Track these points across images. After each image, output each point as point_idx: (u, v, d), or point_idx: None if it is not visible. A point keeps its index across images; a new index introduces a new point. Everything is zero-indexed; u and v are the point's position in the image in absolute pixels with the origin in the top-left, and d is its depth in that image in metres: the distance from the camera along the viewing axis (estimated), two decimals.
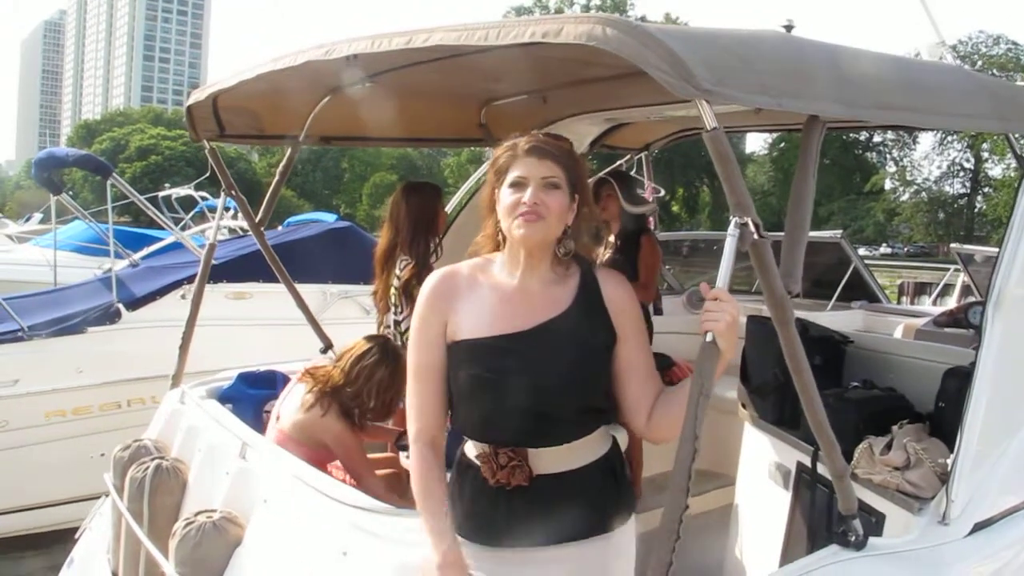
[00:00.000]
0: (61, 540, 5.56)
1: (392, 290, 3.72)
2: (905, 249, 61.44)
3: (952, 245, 7.63)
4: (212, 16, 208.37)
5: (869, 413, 3.01)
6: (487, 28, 2.14)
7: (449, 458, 2.25)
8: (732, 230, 1.89)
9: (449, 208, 4.43)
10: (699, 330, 1.85)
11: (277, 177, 3.98)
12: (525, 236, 2.07)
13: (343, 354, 3.46)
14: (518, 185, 2.08)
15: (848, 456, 2.71)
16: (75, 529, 5.11)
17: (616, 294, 2.18)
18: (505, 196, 2.10)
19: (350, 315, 6.74)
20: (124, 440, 3.64)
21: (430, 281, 2.21)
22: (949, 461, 2.59)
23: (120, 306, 6.49)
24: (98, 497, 5.34)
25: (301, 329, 5.79)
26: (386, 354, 3.36)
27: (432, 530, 2.07)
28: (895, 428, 2.83)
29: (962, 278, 8.20)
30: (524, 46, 2.41)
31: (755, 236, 1.90)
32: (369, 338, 3.52)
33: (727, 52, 2.00)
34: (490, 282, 2.17)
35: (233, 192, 3.88)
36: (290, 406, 3.39)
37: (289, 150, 3.99)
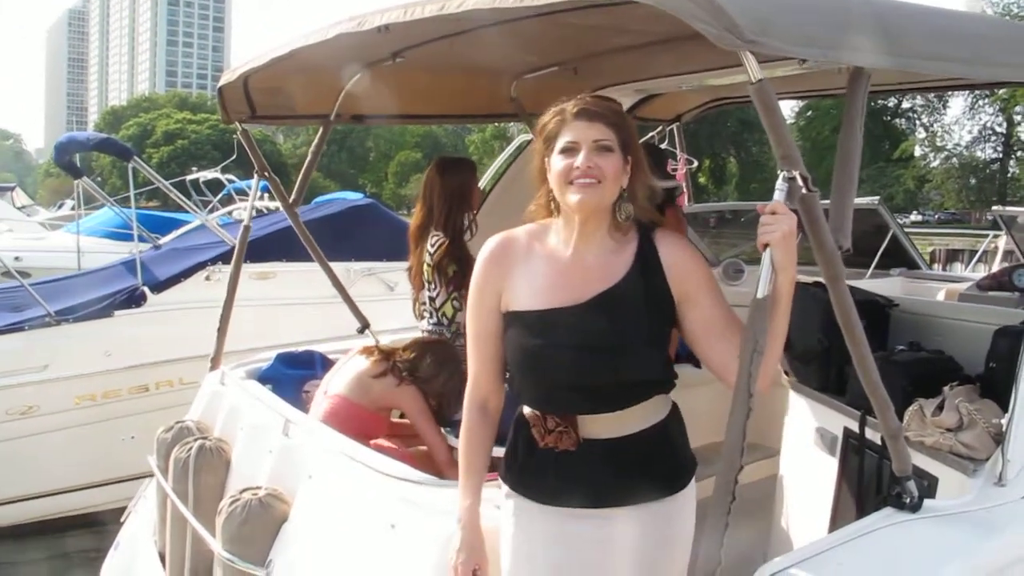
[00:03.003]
0: (98, 522, 5.68)
1: (425, 267, 3.70)
2: (936, 216, 60.59)
3: (994, 208, 7.47)
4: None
5: (917, 375, 2.97)
6: None
7: (507, 425, 2.25)
8: (780, 184, 1.87)
9: (481, 184, 4.38)
10: (758, 244, 1.86)
11: (309, 157, 3.98)
12: (581, 202, 2.02)
13: (410, 344, 3.54)
14: (569, 151, 2.04)
15: (898, 419, 2.67)
16: (110, 511, 5.20)
17: (676, 257, 2.12)
18: (556, 163, 2.05)
19: (374, 292, 6.73)
20: (153, 423, 3.67)
21: (487, 248, 2.20)
22: (1003, 421, 2.54)
23: (145, 289, 6.52)
24: (128, 480, 5.44)
25: (327, 308, 5.80)
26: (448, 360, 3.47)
27: (461, 486, 2.19)
28: (946, 389, 2.78)
29: (1004, 241, 8.05)
30: (556, 13, 2.39)
31: (803, 190, 1.87)
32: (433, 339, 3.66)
33: (770, 4, 1.96)
34: (546, 251, 2.14)
35: (267, 173, 3.88)
36: (348, 375, 3.42)
37: (321, 129, 3.97)
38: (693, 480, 2.20)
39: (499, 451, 2.25)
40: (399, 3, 2.52)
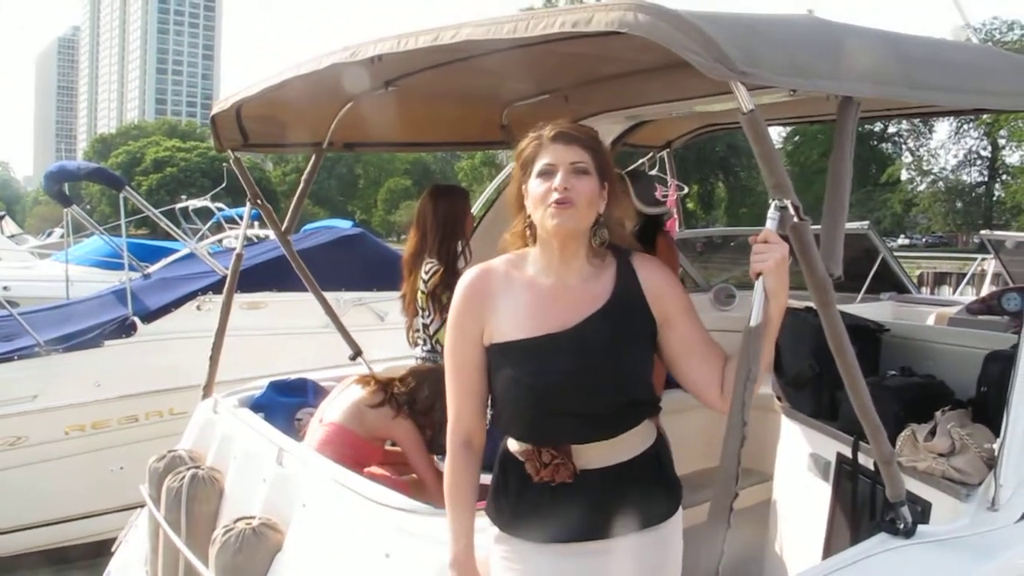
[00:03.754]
0: (88, 555, 5.63)
1: (419, 294, 3.71)
2: (923, 240, 61.01)
3: (982, 232, 7.53)
4: (223, 28, 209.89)
5: (909, 400, 2.98)
6: (515, 21, 2.12)
7: (490, 457, 2.23)
8: (772, 213, 1.88)
9: (474, 210, 4.40)
10: (751, 272, 1.87)
11: (302, 185, 3.99)
12: (558, 225, 2.03)
13: (407, 375, 3.52)
14: (547, 173, 2.05)
15: (891, 444, 2.68)
16: (100, 542, 5.15)
17: (654, 279, 2.14)
18: (534, 187, 2.06)
19: (364, 322, 6.71)
20: (142, 453, 3.65)
21: (465, 280, 2.18)
22: (995, 446, 2.55)
23: (136, 319, 6.51)
24: (118, 511, 5.40)
25: (318, 337, 5.81)
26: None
27: (453, 528, 2.15)
28: (938, 414, 2.79)
29: (993, 265, 8.10)
30: (548, 42, 2.41)
31: (795, 219, 1.88)
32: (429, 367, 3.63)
33: (760, 35, 1.99)
34: (525, 279, 2.13)
35: (259, 201, 3.88)
36: (344, 403, 3.41)
37: (313, 158, 3.98)
38: (680, 508, 2.20)
39: (485, 478, 2.24)
40: (392, 33, 2.55)
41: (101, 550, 4.71)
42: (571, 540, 2.06)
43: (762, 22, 2.07)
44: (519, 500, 2.10)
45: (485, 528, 2.18)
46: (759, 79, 1.85)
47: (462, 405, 2.16)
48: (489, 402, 2.19)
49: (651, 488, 2.13)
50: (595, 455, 2.06)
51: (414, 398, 3.40)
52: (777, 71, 1.93)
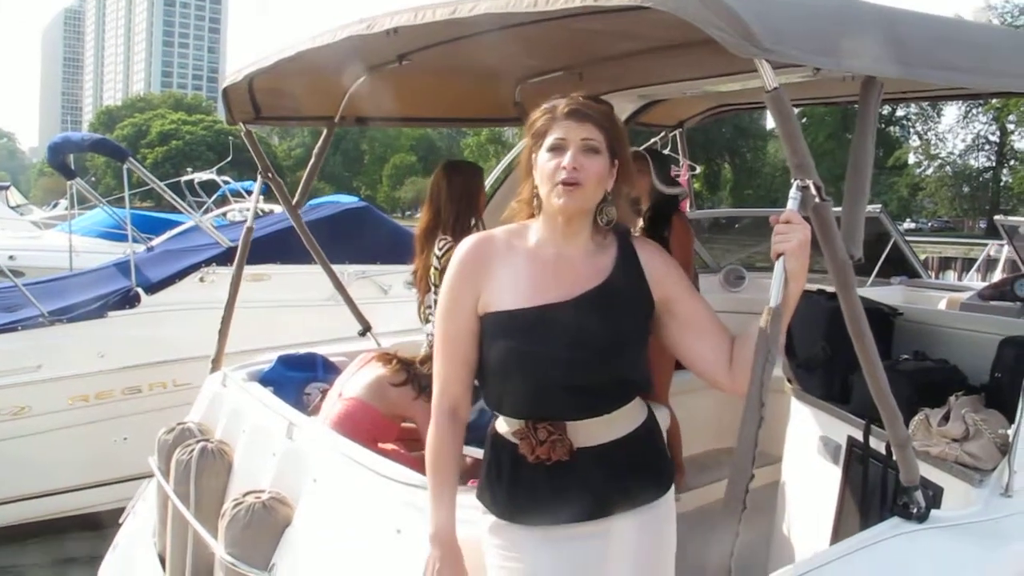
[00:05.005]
0: (93, 523, 5.66)
1: (432, 270, 3.69)
2: (929, 224, 60.91)
3: (996, 217, 7.49)
4: (229, 1, 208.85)
5: (922, 385, 2.97)
6: None
7: (479, 434, 2.21)
8: (794, 193, 1.86)
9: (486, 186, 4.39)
10: (772, 253, 1.83)
11: (313, 160, 3.97)
12: (564, 205, 2.00)
13: (426, 358, 3.48)
14: (557, 149, 2.01)
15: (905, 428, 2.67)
16: (104, 512, 5.17)
17: (654, 260, 2.12)
18: (543, 160, 2.03)
19: (368, 295, 6.69)
20: (146, 424, 3.64)
21: (463, 247, 2.14)
22: (1009, 432, 2.54)
23: (139, 290, 6.51)
24: (122, 481, 5.42)
25: (322, 310, 5.81)
26: None
27: (434, 499, 2.11)
28: (951, 399, 2.78)
29: (1006, 251, 8.07)
30: (564, 18, 2.38)
31: (817, 199, 1.86)
32: None
33: (786, 12, 1.96)
34: (527, 250, 2.09)
35: (270, 175, 3.87)
36: (366, 378, 3.42)
37: (324, 132, 3.96)
38: (673, 485, 2.18)
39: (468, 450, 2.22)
40: (407, 5, 2.52)
41: (106, 520, 4.74)
42: (569, 522, 2.02)
43: (788, 0, 2.05)
44: (513, 484, 2.06)
45: (475, 511, 2.14)
46: (785, 57, 1.83)
47: (450, 374, 2.12)
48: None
49: (646, 465, 2.12)
50: (590, 432, 2.03)
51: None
52: (803, 49, 1.91)
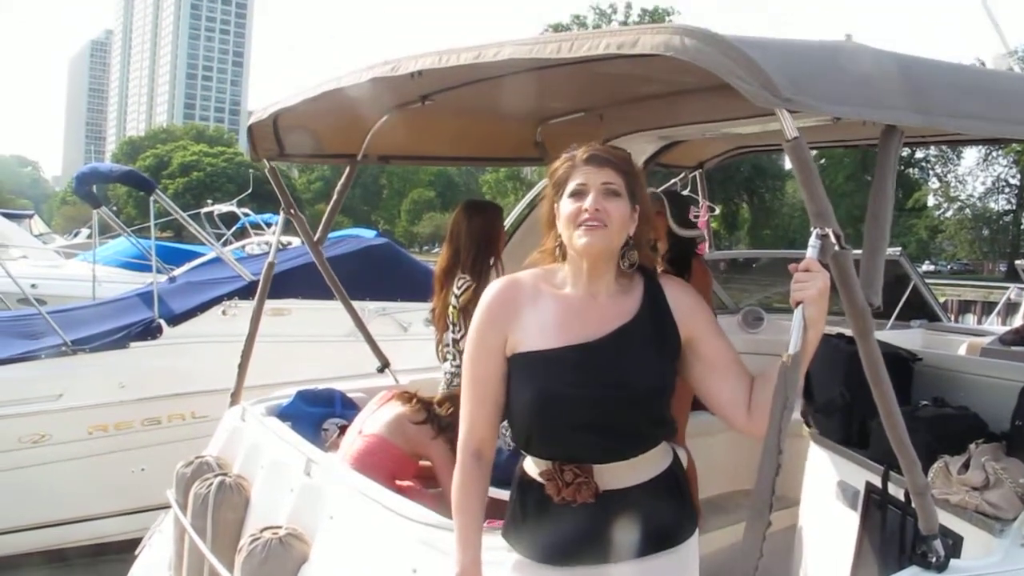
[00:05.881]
0: (108, 553, 5.66)
1: (451, 309, 3.71)
2: (949, 267, 60.54)
3: (1017, 262, 7.46)
4: (253, 35, 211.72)
5: (942, 432, 2.95)
6: (559, 41, 2.14)
7: (508, 475, 2.22)
8: (813, 241, 1.87)
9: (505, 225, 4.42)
10: (791, 301, 1.85)
11: (335, 197, 4.02)
12: (588, 244, 2.02)
13: (446, 399, 3.52)
14: (578, 194, 2.05)
15: (924, 476, 2.65)
16: (120, 542, 5.17)
17: (682, 299, 2.14)
18: (565, 206, 2.06)
19: (388, 332, 6.72)
20: (164, 455, 3.65)
21: (491, 290, 2.16)
22: None
23: (162, 322, 6.53)
24: (138, 512, 5.42)
25: (341, 346, 5.82)
26: None
27: (460, 540, 2.10)
28: (972, 447, 2.76)
29: None
30: (586, 62, 2.42)
31: (836, 247, 1.87)
32: None
33: (805, 62, 1.99)
34: (553, 292, 2.12)
35: (292, 211, 3.91)
36: (386, 416, 3.45)
37: (347, 169, 4.01)
38: (697, 529, 2.18)
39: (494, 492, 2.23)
40: (431, 48, 2.57)
41: (121, 550, 4.74)
42: (594, 563, 2.03)
43: (807, 48, 2.07)
44: (539, 523, 2.07)
45: (500, 552, 2.14)
46: (804, 107, 1.85)
47: (477, 415, 2.12)
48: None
49: (670, 508, 2.11)
50: (616, 475, 2.04)
51: (454, 423, 3.42)
52: (822, 99, 1.93)
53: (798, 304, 1.84)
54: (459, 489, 2.13)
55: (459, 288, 3.67)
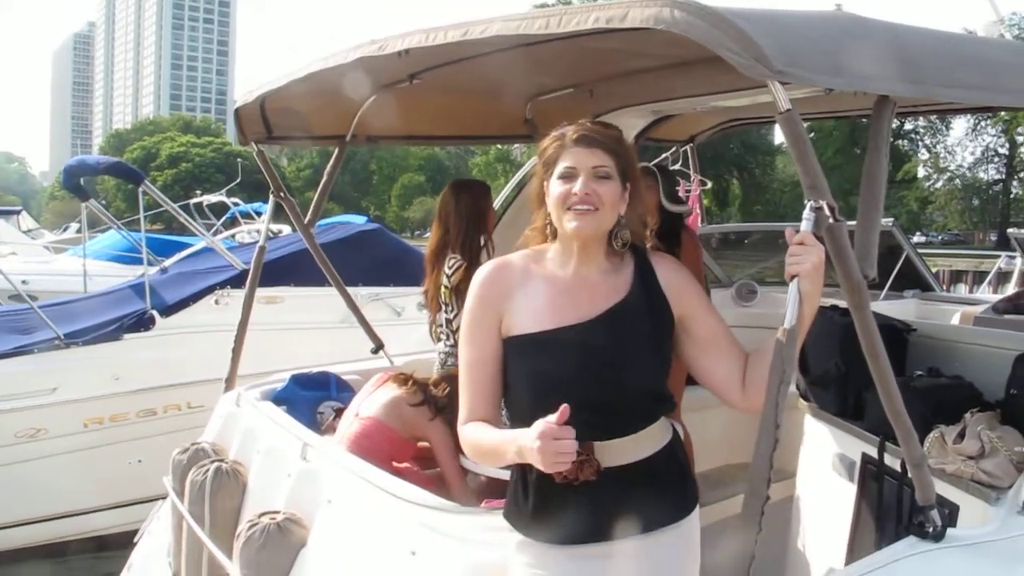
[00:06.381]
0: (107, 545, 5.68)
1: (443, 289, 3.70)
2: (939, 237, 60.72)
3: (1010, 231, 7.48)
4: (237, 24, 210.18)
5: (936, 402, 2.96)
6: (547, 17, 2.12)
7: None
8: (807, 214, 1.86)
9: (495, 205, 4.40)
10: (786, 275, 1.84)
11: (325, 178, 4.00)
12: (578, 227, 2.01)
13: (442, 380, 3.52)
14: (568, 176, 2.03)
15: (920, 447, 2.65)
16: (118, 534, 5.17)
17: (673, 276, 2.13)
18: (555, 188, 2.04)
19: (381, 317, 6.69)
20: (160, 446, 3.65)
21: (482, 273, 2.15)
22: None
23: (154, 313, 6.54)
24: (136, 504, 5.43)
25: (335, 333, 5.82)
26: None
27: (504, 440, 1.98)
28: (967, 416, 2.77)
29: (1020, 263, 8.04)
30: (574, 37, 2.40)
31: (831, 219, 1.86)
32: None
33: (797, 33, 1.98)
34: (545, 273, 2.11)
35: (283, 194, 3.88)
36: (383, 399, 3.44)
37: (336, 151, 3.98)
38: (698, 505, 2.18)
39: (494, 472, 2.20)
40: (420, 27, 2.54)
41: (120, 542, 4.74)
42: (595, 540, 2.02)
43: (798, 20, 2.05)
44: (540, 502, 2.05)
45: (500, 533, 2.13)
46: (796, 78, 1.83)
47: (476, 399, 2.10)
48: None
49: (671, 484, 2.12)
50: (616, 452, 2.02)
51: (451, 404, 3.41)
52: (814, 70, 1.92)
53: (793, 278, 1.83)
54: (471, 433, 2.07)
55: (450, 268, 3.66)
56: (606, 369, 2.01)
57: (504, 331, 2.08)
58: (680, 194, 4.42)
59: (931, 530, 2.23)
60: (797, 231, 1.85)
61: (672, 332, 2.10)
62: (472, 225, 3.72)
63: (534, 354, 2.04)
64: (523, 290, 2.09)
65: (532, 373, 2.04)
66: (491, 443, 2.04)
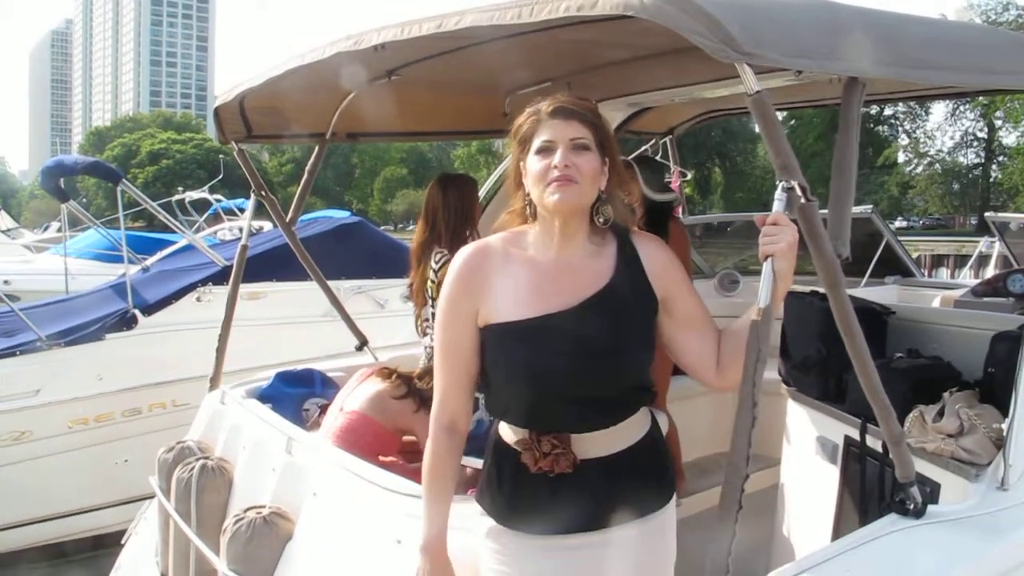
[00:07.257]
0: (95, 546, 5.67)
1: (429, 283, 3.70)
2: (921, 222, 61.10)
3: (987, 214, 7.53)
4: (217, 19, 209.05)
5: (917, 382, 2.98)
6: (519, 7, 2.12)
7: (478, 444, 2.21)
8: (779, 194, 1.87)
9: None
10: (760, 255, 1.84)
11: (306, 176, 4.00)
12: (559, 201, 1.95)
13: (425, 372, 3.51)
14: (546, 150, 1.97)
15: (899, 425, 2.68)
16: (106, 535, 5.17)
17: (655, 256, 2.09)
18: (533, 164, 1.98)
19: (364, 310, 6.73)
20: (146, 445, 3.66)
21: (459, 258, 2.08)
22: (1004, 426, 2.56)
23: (136, 312, 6.52)
24: (124, 503, 5.42)
25: (318, 327, 5.82)
26: None
27: (428, 512, 2.08)
28: (946, 395, 2.80)
29: (998, 247, 8.09)
30: (550, 29, 2.41)
31: (802, 199, 1.87)
32: None
33: (766, 16, 1.99)
34: (525, 257, 2.04)
35: (263, 192, 3.88)
36: (367, 392, 3.45)
37: (316, 148, 3.99)
38: (675, 494, 2.17)
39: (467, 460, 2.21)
40: (395, 21, 2.54)
41: (108, 542, 4.74)
42: (570, 532, 2.00)
43: (767, 3, 2.08)
44: (515, 492, 2.03)
45: (473, 518, 2.12)
46: (765, 60, 1.85)
47: (450, 388, 2.07)
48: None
49: (649, 476, 2.09)
50: (594, 444, 2.00)
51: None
52: (783, 52, 1.93)
53: (767, 258, 1.83)
54: (430, 462, 2.08)
55: (437, 262, 3.66)
56: (595, 356, 1.97)
57: (483, 319, 2.02)
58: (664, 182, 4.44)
59: (912, 506, 2.27)
60: (767, 217, 1.85)
61: (656, 317, 2.06)
62: (458, 219, 3.71)
63: (514, 342, 1.99)
64: (503, 276, 2.03)
65: (511, 362, 1.99)
66: (426, 496, 2.10)
